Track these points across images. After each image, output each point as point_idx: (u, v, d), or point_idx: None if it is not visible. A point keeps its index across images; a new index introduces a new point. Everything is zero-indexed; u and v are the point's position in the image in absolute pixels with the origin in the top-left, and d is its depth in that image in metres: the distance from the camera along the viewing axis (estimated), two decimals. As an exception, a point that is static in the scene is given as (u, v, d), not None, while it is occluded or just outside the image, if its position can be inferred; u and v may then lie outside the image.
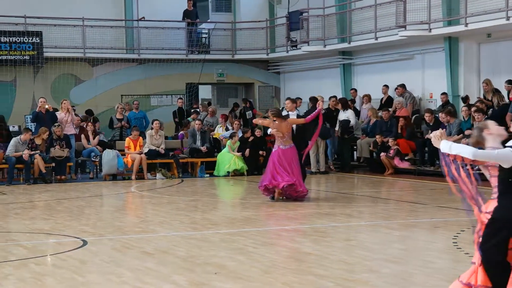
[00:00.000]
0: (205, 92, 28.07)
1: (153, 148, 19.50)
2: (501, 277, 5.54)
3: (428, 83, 21.40)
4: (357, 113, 21.78)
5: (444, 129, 6.05)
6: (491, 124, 5.82)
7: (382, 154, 19.36)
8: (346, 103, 20.93)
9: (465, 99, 19.27)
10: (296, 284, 7.09)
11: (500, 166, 5.53)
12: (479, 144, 5.79)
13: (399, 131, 19.82)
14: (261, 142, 20.51)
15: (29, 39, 23.70)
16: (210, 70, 26.41)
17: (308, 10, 24.47)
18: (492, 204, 5.63)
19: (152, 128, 20.09)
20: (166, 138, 20.64)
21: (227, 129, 21.54)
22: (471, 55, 20.21)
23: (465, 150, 5.53)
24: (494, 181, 5.66)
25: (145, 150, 19.39)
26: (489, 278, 5.58)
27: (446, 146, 5.65)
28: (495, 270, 5.56)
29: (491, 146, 5.68)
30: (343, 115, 20.59)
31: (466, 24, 18.98)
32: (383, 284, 7.11)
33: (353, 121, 20.61)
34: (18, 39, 23.60)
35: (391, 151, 19.26)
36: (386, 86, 21.81)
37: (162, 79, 25.86)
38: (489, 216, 5.59)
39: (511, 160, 5.45)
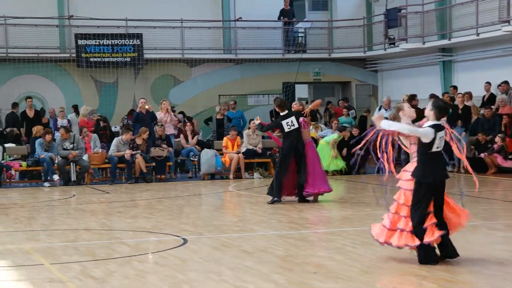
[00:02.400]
0: (301, 91, 28.05)
1: (251, 147, 19.63)
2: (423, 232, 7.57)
3: (534, 79, 20.70)
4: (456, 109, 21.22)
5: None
6: (406, 106, 8.02)
7: (485, 153, 18.86)
8: None
9: None
10: (397, 284, 6.98)
11: (420, 140, 7.65)
12: (395, 120, 7.94)
13: (503, 129, 19.24)
14: (360, 141, 20.26)
15: (130, 41, 24.31)
16: (306, 69, 26.39)
17: (406, 7, 24.10)
18: (411, 166, 7.80)
19: (249, 128, 20.23)
20: (263, 137, 20.75)
21: (321, 130, 21.43)
22: None
23: (402, 127, 7.71)
24: (414, 148, 7.83)
25: (243, 149, 19.55)
26: (418, 237, 7.61)
27: (386, 124, 7.76)
28: (422, 230, 7.59)
29: (405, 123, 7.83)
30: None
31: None
32: (486, 285, 6.92)
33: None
34: (119, 42, 24.26)
35: (495, 146, 18.70)
36: (489, 83, 21.21)
37: (258, 78, 26.01)
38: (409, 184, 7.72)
39: (430, 137, 7.59)
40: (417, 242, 7.66)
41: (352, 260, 8.13)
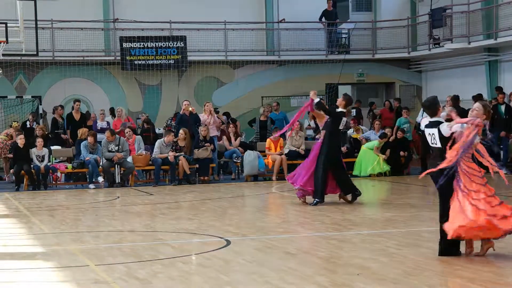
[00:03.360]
0: (345, 93, 27.88)
1: (294, 149, 19.60)
2: None
3: None
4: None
5: None
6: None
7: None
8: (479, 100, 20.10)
9: None
10: (442, 287, 6.89)
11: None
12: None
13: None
14: (403, 142, 20.14)
15: (173, 44, 24.47)
16: (350, 70, 26.25)
17: (451, 6, 23.82)
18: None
19: (292, 129, 20.18)
20: (306, 139, 20.70)
21: (362, 132, 21.30)
22: None
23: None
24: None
25: (286, 151, 19.52)
26: None
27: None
28: None
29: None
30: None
31: None
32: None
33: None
34: (163, 44, 24.43)
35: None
36: (535, 83, 20.87)
37: (301, 80, 25.95)
38: None
39: None
40: None
41: (396, 262, 8.06)
